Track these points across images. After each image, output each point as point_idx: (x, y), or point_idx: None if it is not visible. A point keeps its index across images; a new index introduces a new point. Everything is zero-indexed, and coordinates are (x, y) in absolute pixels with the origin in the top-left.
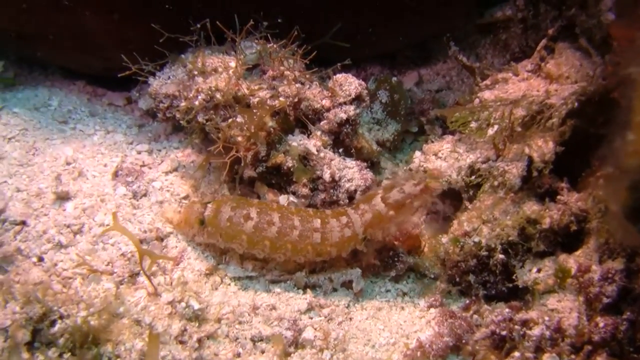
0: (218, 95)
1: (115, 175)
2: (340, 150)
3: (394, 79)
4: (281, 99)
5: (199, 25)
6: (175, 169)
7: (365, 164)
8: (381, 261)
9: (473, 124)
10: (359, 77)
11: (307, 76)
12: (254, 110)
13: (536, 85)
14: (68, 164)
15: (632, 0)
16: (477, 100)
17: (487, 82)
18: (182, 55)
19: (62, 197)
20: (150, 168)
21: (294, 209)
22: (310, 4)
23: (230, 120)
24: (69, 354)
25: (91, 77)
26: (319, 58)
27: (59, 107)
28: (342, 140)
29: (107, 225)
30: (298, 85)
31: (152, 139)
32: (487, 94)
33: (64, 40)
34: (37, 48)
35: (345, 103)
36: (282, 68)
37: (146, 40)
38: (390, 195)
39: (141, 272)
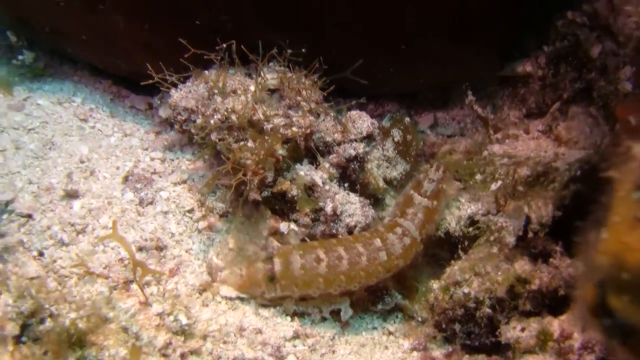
0: (233, 117)
1: (126, 179)
2: (346, 184)
3: (407, 119)
4: (294, 128)
5: (225, 45)
6: (184, 181)
7: (369, 200)
8: (370, 294)
9: (478, 176)
10: (377, 112)
11: (322, 109)
12: (265, 137)
13: (545, 145)
14: (82, 162)
15: None
16: (486, 152)
17: (499, 135)
18: (206, 72)
19: (71, 195)
20: (160, 177)
21: (351, 237)
22: (335, 39)
23: (241, 143)
24: (53, 353)
25: (117, 78)
26: (339, 90)
27: (82, 104)
28: (348, 175)
29: (111, 228)
30: (312, 117)
31: (167, 147)
32: (496, 148)
33: (95, 41)
34: (69, 45)
35: (356, 140)
36: (298, 98)
37: (173, 52)
38: (425, 188)
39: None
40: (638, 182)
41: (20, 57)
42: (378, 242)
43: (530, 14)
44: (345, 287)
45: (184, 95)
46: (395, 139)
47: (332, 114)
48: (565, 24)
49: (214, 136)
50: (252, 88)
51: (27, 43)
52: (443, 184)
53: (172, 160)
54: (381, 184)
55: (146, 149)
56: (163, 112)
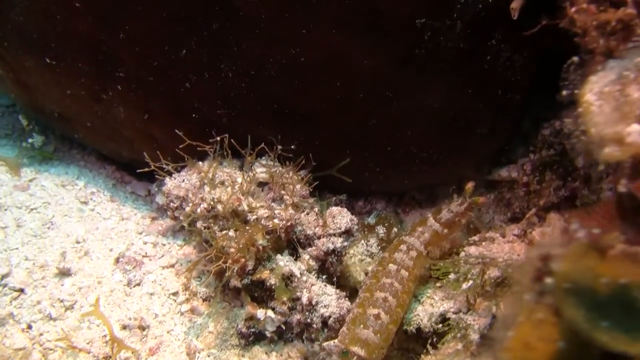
0: (219, 207)
1: (117, 261)
2: (324, 276)
3: (390, 219)
4: (275, 220)
5: (218, 139)
6: (172, 265)
7: (345, 292)
8: None
9: (452, 276)
10: (365, 209)
11: (307, 203)
12: (247, 227)
13: (518, 249)
14: (77, 242)
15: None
16: (462, 254)
17: (476, 237)
18: (200, 163)
19: (64, 273)
20: (150, 260)
21: (371, 279)
22: (324, 139)
23: (224, 232)
24: None
25: (121, 164)
26: (330, 185)
27: (85, 187)
28: (327, 267)
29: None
30: (292, 211)
31: (160, 232)
32: (472, 249)
33: (99, 128)
34: (76, 131)
35: (334, 235)
36: (282, 192)
37: (170, 142)
38: (441, 216)
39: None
40: (529, 284)
41: (30, 140)
42: (392, 266)
43: (519, 122)
44: (403, 315)
45: (177, 184)
46: (380, 236)
47: (316, 209)
48: (553, 132)
49: (199, 224)
50: (240, 180)
51: (40, 127)
52: (462, 218)
53: (164, 245)
54: (361, 278)
55: (140, 233)
56: (159, 199)
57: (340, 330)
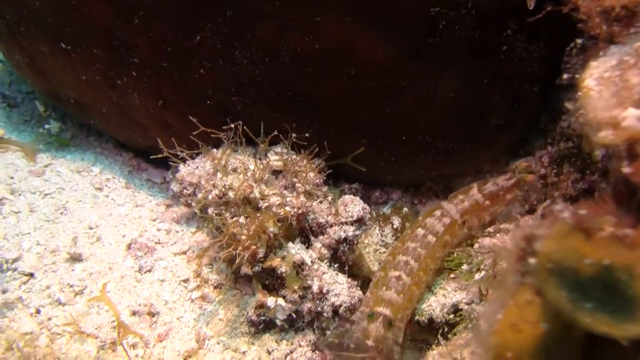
0: (230, 194)
1: (129, 247)
2: (336, 265)
3: (406, 209)
4: (287, 208)
5: (232, 126)
6: (184, 252)
7: (357, 282)
8: None
9: (465, 267)
10: (382, 200)
11: (321, 192)
12: (257, 214)
13: None
14: (90, 228)
15: None
16: (477, 245)
17: (490, 229)
18: (214, 150)
19: (75, 258)
20: (162, 247)
21: (398, 242)
22: (339, 127)
23: (235, 218)
24: None
25: (138, 151)
26: (347, 174)
27: (100, 174)
28: (339, 256)
29: (108, 292)
30: (303, 199)
31: (174, 219)
32: (486, 241)
33: (114, 114)
34: (91, 117)
35: (346, 223)
36: (295, 180)
37: (185, 129)
38: (485, 187)
39: (123, 342)
40: (514, 265)
41: (46, 126)
42: (420, 230)
43: (537, 113)
44: (426, 280)
45: (191, 171)
46: (394, 226)
47: (329, 197)
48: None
49: (211, 210)
50: (252, 167)
51: (59, 114)
52: (507, 193)
53: (177, 232)
54: (375, 268)
55: (154, 220)
56: (174, 186)
57: (364, 296)
